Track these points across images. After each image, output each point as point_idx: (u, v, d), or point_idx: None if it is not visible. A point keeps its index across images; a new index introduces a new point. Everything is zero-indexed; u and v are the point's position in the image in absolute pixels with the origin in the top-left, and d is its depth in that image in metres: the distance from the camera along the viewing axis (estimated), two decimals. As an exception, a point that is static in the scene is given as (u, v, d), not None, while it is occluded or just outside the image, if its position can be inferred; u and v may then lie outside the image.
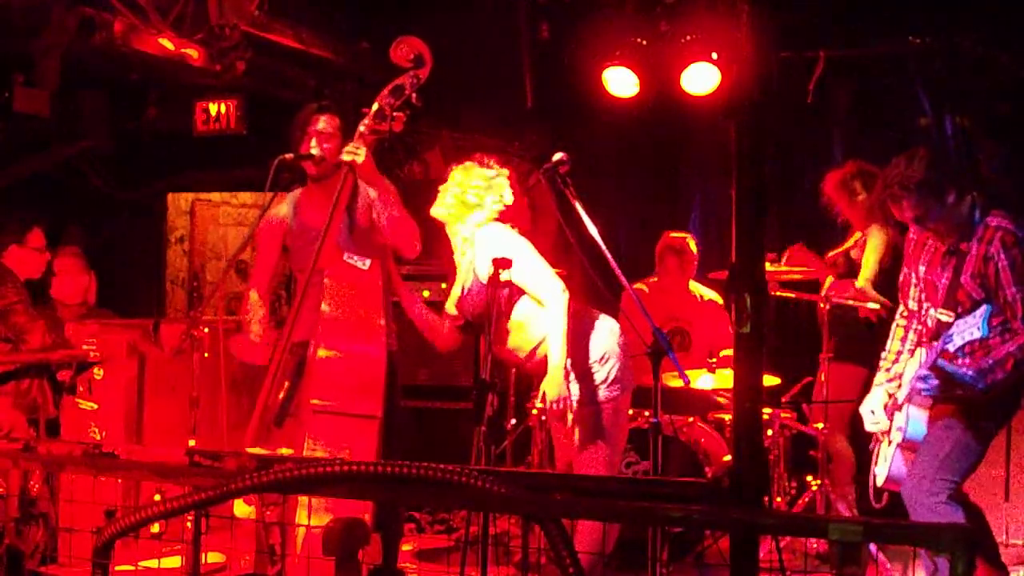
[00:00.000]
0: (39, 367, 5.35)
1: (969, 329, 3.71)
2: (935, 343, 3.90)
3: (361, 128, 4.06)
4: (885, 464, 4.12)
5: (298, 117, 4.34)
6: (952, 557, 2.00)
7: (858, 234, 5.69)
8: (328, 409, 3.84)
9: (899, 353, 4.17)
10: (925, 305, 4.06)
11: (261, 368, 4.13)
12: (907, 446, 4.05)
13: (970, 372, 3.79)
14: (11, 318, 5.34)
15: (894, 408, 4.11)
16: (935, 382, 3.87)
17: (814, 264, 5.74)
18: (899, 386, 4.10)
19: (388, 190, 4.15)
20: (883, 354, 4.26)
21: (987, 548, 4.11)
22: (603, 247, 4.10)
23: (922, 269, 4.09)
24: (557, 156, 4.14)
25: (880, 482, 4.14)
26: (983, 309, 3.73)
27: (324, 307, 3.93)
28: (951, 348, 3.76)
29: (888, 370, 4.19)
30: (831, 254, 5.73)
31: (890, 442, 4.12)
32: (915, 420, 4.03)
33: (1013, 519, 5.26)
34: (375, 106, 4.08)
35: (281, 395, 3.95)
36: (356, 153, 4.01)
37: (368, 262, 4.05)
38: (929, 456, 3.92)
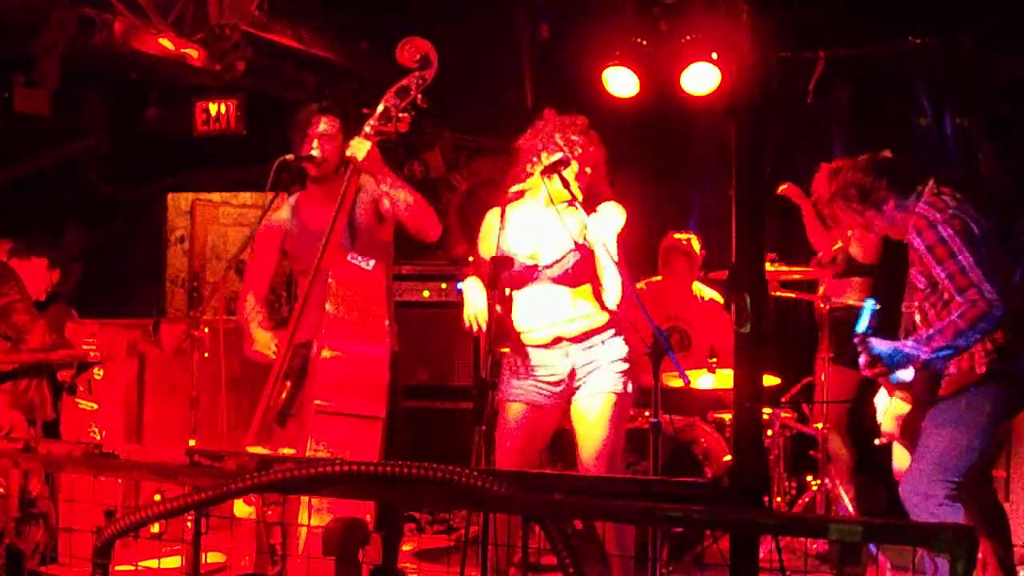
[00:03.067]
0: (39, 367, 5.35)
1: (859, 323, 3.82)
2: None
3: (367, 129, 4.05)
4: (890, 421, 4.13)
5: (298, 118, 4.33)
6: (952, 557, 2.00)
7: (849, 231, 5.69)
8: (331, 410, 3.83)
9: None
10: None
11: (262, 368, 4.13)
12: (896, 441, 4.08)
13: (909, 343, 3.81)
14: (12, 317, 5.34)
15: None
16: (866, 361, 3.88)
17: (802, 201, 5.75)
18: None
19: (394, 178, 4.14)
20: None
21: (1002, 547, 4.10)
22: (603, 246, 4.10)
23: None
24: (556, 156, 4.13)
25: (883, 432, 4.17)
26: (866, 303, 3.80)
27: (328, 307, 3.93)
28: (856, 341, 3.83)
29: None
30: (829, 251, 5.73)
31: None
32: (889, 417, 4.06)
33: (1013, 519, 5.25)
34: (380, 107, 4.07)
35: (284, 395, 3.94)
36: (357, 148, 4.00)
37: (372, 262, 4.04)
38: (923, 458, 3.91)
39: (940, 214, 3.86)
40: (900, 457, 4.18)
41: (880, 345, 3.81)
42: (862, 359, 3.86)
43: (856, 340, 3.79)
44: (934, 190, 3.97)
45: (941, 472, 3.83)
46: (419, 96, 4.07)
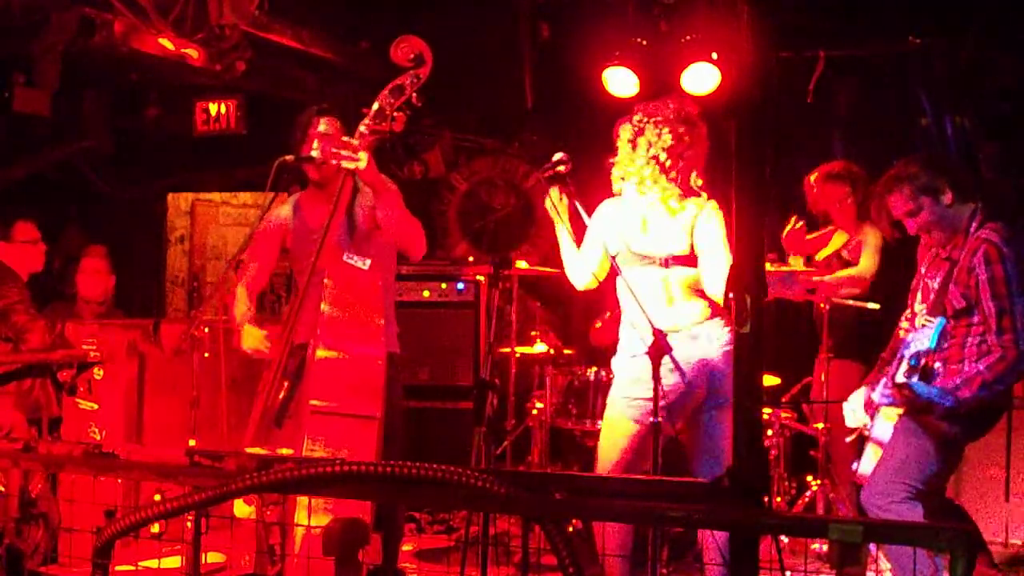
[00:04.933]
0: (40, 368, 5.35)
1: (920, 340, 3.86)
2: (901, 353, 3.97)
3: (362, 128, 4.05)
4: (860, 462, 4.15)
5: (299, 119, 4.34)
6: (952, 557, 2.00)
7: (843, 235, 5.70)
8: (327, 410, 3.83)
9: (895, 353, 4.19)
10: (921, 306, 4.09)
11: (262, 368, 4.13)
12: (874, 442, 4.07)
13: (935, 391, 3.83)
14: (12, 317, 5.35)
15: (871, 407, 4.14)
16: (898, 398, 3.92)
17: (803, 247, 5.75)
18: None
19: (390, 191, 4.14)
20: (882, 355, 4.27)
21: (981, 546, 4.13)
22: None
23: (923, 270, 4.13)
24: (557, 156, 4.13)
25: (855, 475, 4.17)
26: (936, 322, 3.81)
27: (324, 307, 3.93)
28: (906, 354, 3.83)
29: (881, 371, 4.20)
30: (820, 256, 5.74)
31: (866, 438, 4.15)
32: (882, 421, 4.06)
33: (1013, 519, 5.26)
34: (375, 106, 4.06)
35: (281, 395, 3.94)
36: (357, 160, 3.99)
37: (368, 262, 4.04)
38: (888, 460, 3.95)
39: (1007, 248, 3.86)
40: (873, 461, 4.17)
41: (919, 385, 3.85)
42: (893, 385, 3.88)
43: (923, 354, 3.81)
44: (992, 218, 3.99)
45: (903, 475, 3.88)
46: (414, 95, 4.07)
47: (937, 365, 3.93)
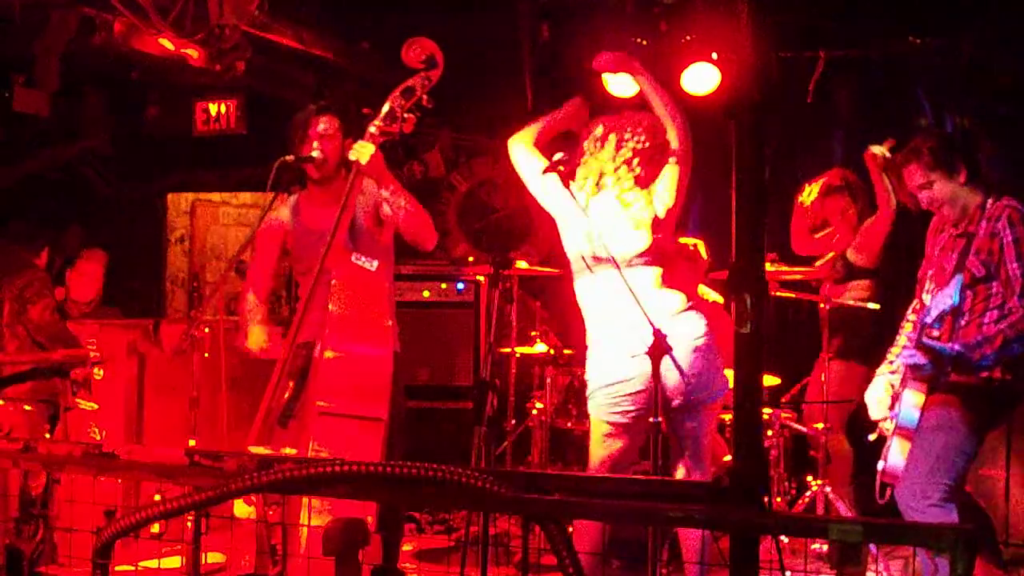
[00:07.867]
0: (50, 368, 5.36)
1: (944, 300, 3.82)
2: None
3: (372, 129, 4.05)
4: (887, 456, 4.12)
5: (297, 119, 4.33)
6: (952, 557, 2.00)
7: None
8: (333, 411, 3.82)
9: (905, 347, 4.17)
10: (933, 287, 4.07)
11: (263, 368, 4.13)
12: (900, 433, 4.05)
13: (957, 347, 3.80)
14: (26, 292, 5.36)
15: (894, 397, 4.12)
16: (923, 360, 3.86)
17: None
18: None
19: (398, 185, 4.16)
20: (891, 348, 4.26)
21: (989, 549, 4.10)
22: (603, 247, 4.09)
23: (936, 254, 4.12)
24: (557, 155, 4.13)
25: (880, 473, 4.15)
26: (956, 279, 3.78)
27: (331, 308, 3.92)
28: (928, 320, 3.82)
29: (892, 362, 4.18)
30: (824, 260, 5.74)
31: (890, 432, 4.12)
32: (907, 406, 4.02)
33: (1013, 519, 5.26)
34: (386, 107, 4.07)
35: (286, 396, 3.93)
36: (361, 151, 4.00)
37: (376, 263, 4.05)
38: (919, 459, 3.91)
39: None
40: (901, 453, 4.15)
41: (942, 345, 3.82)
42: (916, 346, 3.86)
43: (948, 309, 3.80)
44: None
45: (937, 475, 3.84)
46: (424, 97, 4.07)
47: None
